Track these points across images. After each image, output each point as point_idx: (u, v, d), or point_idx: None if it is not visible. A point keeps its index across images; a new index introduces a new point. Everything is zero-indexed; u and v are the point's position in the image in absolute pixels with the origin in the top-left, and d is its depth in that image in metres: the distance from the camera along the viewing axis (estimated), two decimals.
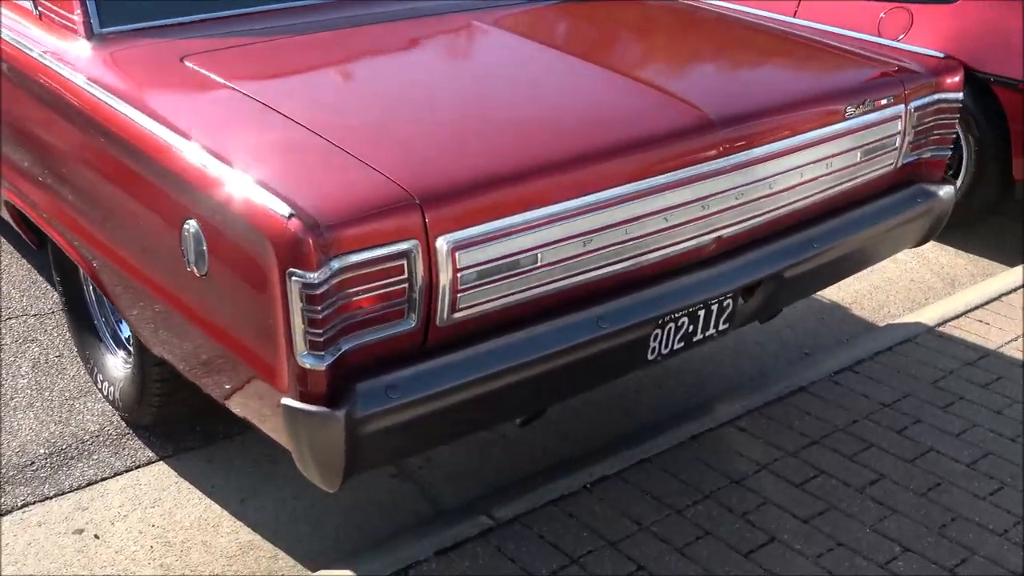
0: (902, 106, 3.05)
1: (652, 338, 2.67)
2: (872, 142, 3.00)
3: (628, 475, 3.20)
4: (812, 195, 2.89)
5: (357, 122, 2.43)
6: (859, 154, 2.97)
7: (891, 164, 3.11)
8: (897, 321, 4.24)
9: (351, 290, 2.05)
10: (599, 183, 2.38)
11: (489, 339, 2.32)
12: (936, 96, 3.15)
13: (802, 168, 2.81)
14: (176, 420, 3.44)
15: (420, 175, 2.19)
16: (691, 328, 2.76)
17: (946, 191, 3.27)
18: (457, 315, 2.24)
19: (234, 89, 2.57)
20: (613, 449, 3.36)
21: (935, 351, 3.93)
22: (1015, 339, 4.01)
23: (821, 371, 3.79)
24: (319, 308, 2.00)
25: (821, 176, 2.88)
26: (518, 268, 2.29)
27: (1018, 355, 3.90)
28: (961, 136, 4.73)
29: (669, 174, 2.49)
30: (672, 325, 2.70)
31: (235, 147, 2.28)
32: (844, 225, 3.01)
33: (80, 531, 3.07)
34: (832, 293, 4.55)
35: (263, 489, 3.26)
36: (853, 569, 2.81)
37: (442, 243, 2.16)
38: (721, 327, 2.86)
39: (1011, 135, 4.57)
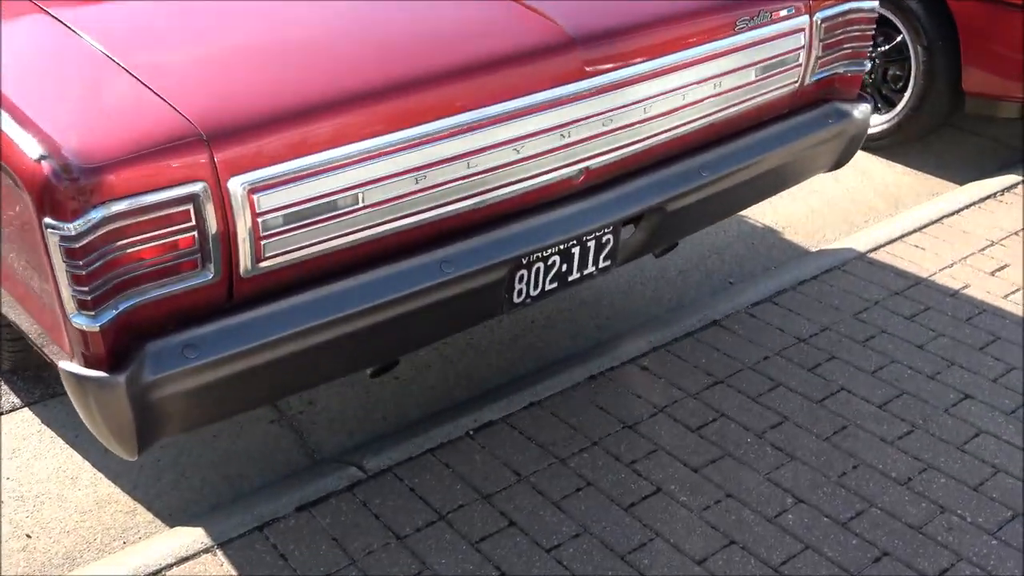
0: (806, 17, 2.77)
1: (517, 280, 2.44)
2: (770, 58, 2.73)
3: (515, 420, 3.00)
4: (699, 119, 2.63)
5: (159, 50, 2.14)
6: (754, 72, 2.70)
7: (795, 82, 2.84)
8: (829, 247, 4.00)
9: (123, 241, 1.81)
10: (429, 113, 2.12)
11: (309, 289, 2.09)
12: (847, 5, 2.86)
13: (683, 90, 2.54)
14: (41, 366, 3.23)
15: (211, 108, 1.93)
16: (564, 267, 2.53)
17: (861, 110, 3.00)
18: (265, 265, 2.00)
19: (38, 6, 2.28)
20: (504, 391, 3.16)
21: (863, 279, 3.70)
22: (950, 265, 3.77)
23: (738, 303, 3.56)
24: (81, 263, 1.76)
25: (708, 98, 2.61)
26: (336, 210, 2.05)
27: (951, 283, 3.66)
28: (909, 46, 4.41)
29: (517, 100, 2.23)
30: (540, 265, 2.47)
31: (14, 74, 2.01)
32: (738, 151, 2.75)
33: None
34: (766, 216, 4.30)
35: None
36: (738, 524, 2.62)
37: (236, 185, 1.91)
38: (602, 264, 2.63)
39: (961, 44, 4.26)
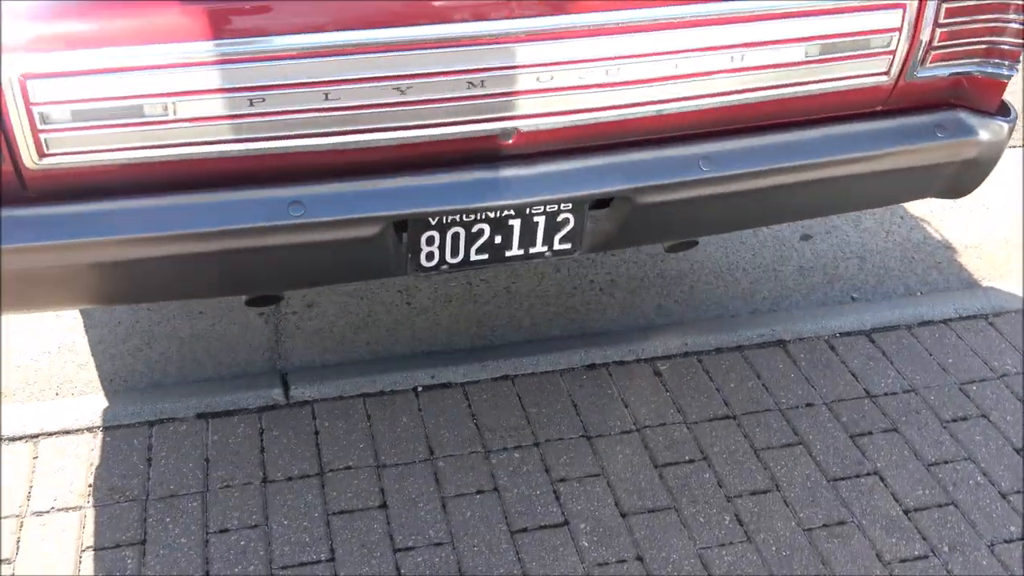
0: None
1: (424, 241, 2.06)
2: (835, 36, 2.04)
3: (474, 389, 2.66)
4: (703, 98, 2.04)
5: None
6: (804, 50, 2.04)
7: (883, 73, 2.13)
8: (998, 287, 3.15)
9: None
10: (271, 24, 1.75)
11: (118, 199, 1.84)
12: None
13: (676, 57, 1.96)
14: None
15: None
16: (498, 239, 2.11)
17: (990, 127, 2.22)
18: (51, 161, 1.78)
19: None
20: (488, 353, 2.80)
21: (1008, 340, 2.89)
22: None
23: (828, 326, 2.91)
24: None
25: (719, 73, 2.01)
26: (139, 117, 1.77)
27: None
28: None
29: (399, 30, 1.79)
30: (460, 230, 2.07)
31: None
32: (766, 148, 2.13)
33: None
34: (950, 228, 3.48)
35: None
36: None
37: (7, 66, 1.67)
38: (557, 246, 2.17)
39: None
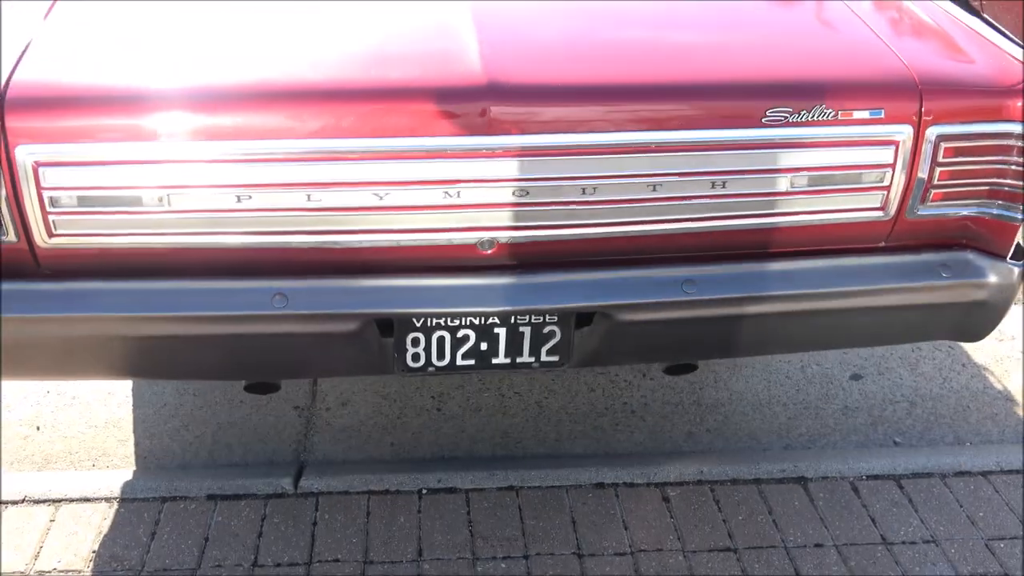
0: (908, 129, 2.04)
1: (409, 342, 2.15)
2: (822, 169, 2.06)
3: (478, 496, 2.68)
4: (684, 221, 2.07)
5: None
6: (788, 181, 2.05)
7: (878, 209, 2.12)
8: None
9: None
10: (258, 129, 1.90)
11: (118, 280, 2.01)
12: (991, 127, 2.07)
13: (655, 180, 2.01)
14: None
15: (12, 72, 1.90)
16: (484, 346, 2.17)
17: (999, 270, 2.17)
18: (58, 241, 1.95)
19: None
20: (500, 463, 2.83)
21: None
22: None
23: (856, 467, 2.82)
24: None
25: (700, 198, 2.04)
26: (137, 206, 1.93)
27: None
28: None
29: (379, 140, 1.91)
30: (445, 335, 2.15)
31: None
32: (755, 275, 2.13)
33: None
34: (1013, 378, 3.32)
35: None
36: None
37: (23, 154, 1.87)
38: (545, 358, 2.21)
39: None
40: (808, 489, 2.72)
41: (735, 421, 3.10)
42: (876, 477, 2.78)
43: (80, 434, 2.97)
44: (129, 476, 2.71)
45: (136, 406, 3.09)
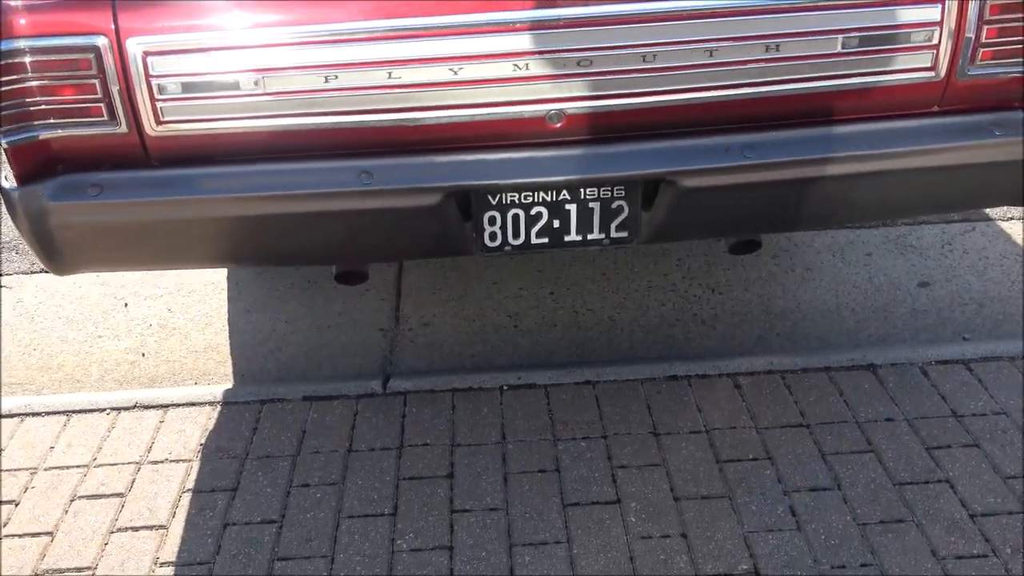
0: None
1: (486, 221, 2.30)
2: (870, 29, 2.15)
3: (556, 390, 2.81)
4: (742, 87, 2.17)
5: None
6: (840, 42, 2.16)
7: (928, 68, 2.21)
8: None
9: (33, 75, 2.07)
10: (345, 11, 2.06)
11: (221, 165, 2.19)
12: None
13: (711, 45, 2.13)
14: None
15: None
16: (556, 223, 2.31)
17: None
18: (166, 129, 2.14)
19: None
20: (579, 363, 2.95)
21: None
22: None
23: (926, 355, 2.88)
24: None
25: (755, 62, 2.15)
26: (235, 90, 2.10)
27: None
28: None
29: (452, 16, 2.07)
30: (520, 212, 2.29)
31: None
32: (812, 140, 2.23)
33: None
34: None
35: (272, 305, 3.41)
36: None
37: (134, 45, 2.07)
38: (615, 234, 2.34)
39: None
40: (878, 374, 2.80)
41: (804, 327, 3.18)
42: (946, 362, 2.84)
43: (182, 358, 3.17)
44: (230, 387, 2.89)
45: (232, 334, 3.28)
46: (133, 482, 2.50)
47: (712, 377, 2.80)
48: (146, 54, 2.06)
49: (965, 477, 2.39)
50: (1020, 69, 2.23)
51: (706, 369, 2.83)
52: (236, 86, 2.10)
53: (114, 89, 2.08)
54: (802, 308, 3.27)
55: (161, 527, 2.35)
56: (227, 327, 3.32)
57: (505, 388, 2.80)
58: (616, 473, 2.45)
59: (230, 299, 3.45)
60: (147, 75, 2.08)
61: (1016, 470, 2.41)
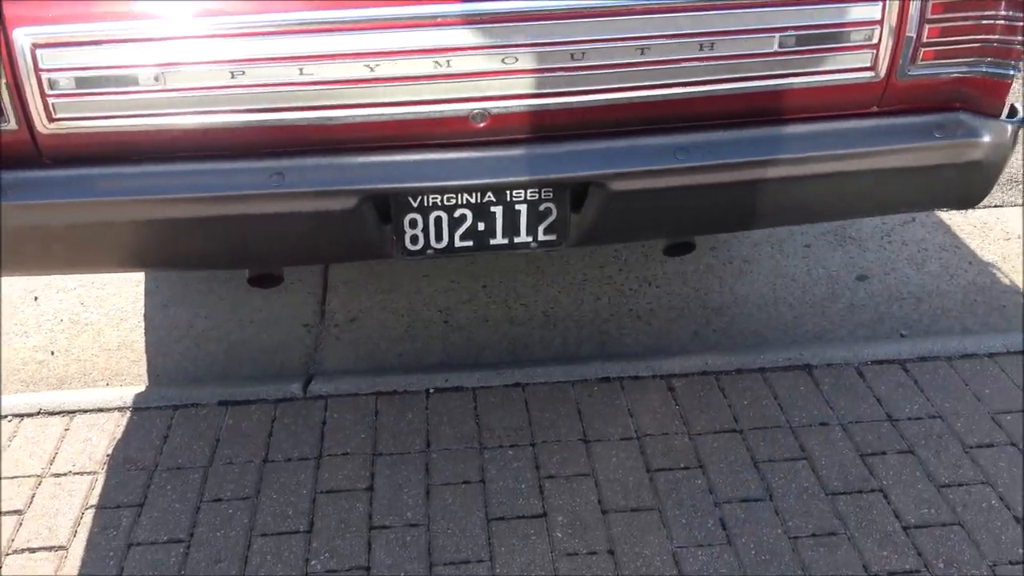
0: None
1: (407, 224, 2.17)
2: (808, 28, 2.06)
3: (484, 393, 2.70)
4: (676, 87, 2.07)
5: None
6: (777, 41, 2.06)
7: (868, 68, 2.12)
8: None
9: None
10: (250, 4, 1.92)
11: (118, 165, 2.04)
12: None
13: (641, 43, 2.02)
14: None
15: None
16: (481, 226, 2.19)
17: (992, 129, 2.17)
18: (58, 126, 1.98)
19: None
20: (508, 364, 2.84)
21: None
22: None
23: (863, 354, 2.82)
24: None
25: (688, 61, 2.05)
26: (134, 86, 1.95)
27: None
28: None
29: (366, 9, 1.93)
30: (442, 215, 2.17)
31: None
32: (746, 141, 2.14)
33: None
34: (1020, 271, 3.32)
35: (191, 299, 3.26)
36: None
37: (21, 36, 1.90)
38: (542, 237, 2.23)
39: None
40: (813, 375, 2.73)
41: (741, 322, 3.11)
42: (882, 362, 2.78)
43: (94, 357, 3.02)
44: (142, 389, 2.75)
45: (148, 330, 3.13)
46: (33, 497, 2.36)
47: (645, 379, 2.72)
48: (35, 46, 1.90)
49: (899, 486, 2.33)
50: (963, 70, 2.15)
51: (639, 370, 2.75)
52: (135, 81, 1.95)
53: (0, 83, 1.92)
54: (739, 302, 3.20)
55: (60, 548, 2.21)
56: (143, 323, 3.17)
57: (432, 391, 2.70)
58: (543, 484, 2.36)
59: (147, 292, 3.30)
60: (36, 68, 1.92)
61: (950, 478, 2.36)
